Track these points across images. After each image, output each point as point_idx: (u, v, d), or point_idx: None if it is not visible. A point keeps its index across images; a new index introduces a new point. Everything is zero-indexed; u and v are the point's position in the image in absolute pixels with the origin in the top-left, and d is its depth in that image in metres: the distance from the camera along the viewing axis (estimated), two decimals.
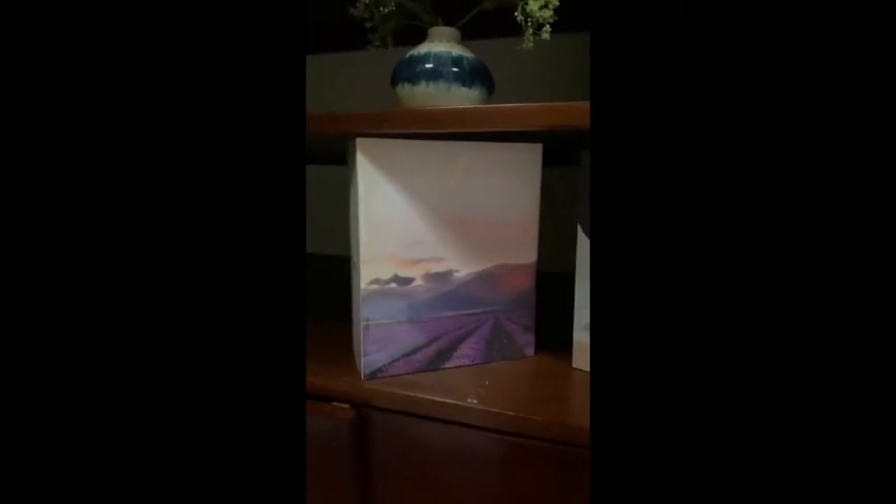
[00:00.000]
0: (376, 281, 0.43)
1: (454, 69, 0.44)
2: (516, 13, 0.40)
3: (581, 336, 0.47)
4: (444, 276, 0.46)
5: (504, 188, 0.46)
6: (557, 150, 0.52)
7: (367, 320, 0.44)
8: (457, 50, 0.45)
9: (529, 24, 0.39)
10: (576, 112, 0.36)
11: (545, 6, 0.38)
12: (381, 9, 0.46)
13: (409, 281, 0.45)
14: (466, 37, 0.47)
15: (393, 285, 0.44)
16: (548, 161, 0.49)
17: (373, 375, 0.45)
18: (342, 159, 0.67)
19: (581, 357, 0.48)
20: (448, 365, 0.48)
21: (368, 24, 0.48)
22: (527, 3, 0.38)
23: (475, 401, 0.40)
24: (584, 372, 0.47)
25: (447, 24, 0.47)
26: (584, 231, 0.45)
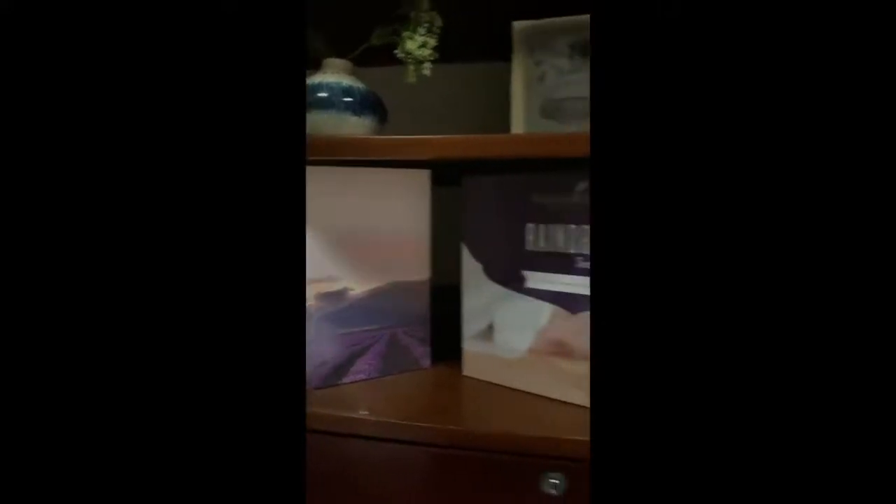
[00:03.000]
0: None
1: (345, 99, 0.46)
2: (395, 51, 0.43)
3: (469, 345, 0.51)
4: (338, 295, 0.47)
5: (396, 210, 0.49)
6: (443, 173, 0.56)
7: None
8: (347, 80, 0.47)
9: (410, 60, 0.43)
10: (458, 144, 0.40)
11: (423, 46, 0.42)
12: None
13: None
14: (360, 64, 0.50)
15: None
16: (437, 182, 0.53)
17: None
18: None
19: (470, 365, 0.51)
20: (345, 381, 0.49)
21: None
22: (406, 43, 0.42)
23: (366, 412, 0.42)
24: (475, 379, 0.51)
25: (340, 55, 0.49)
26: (468, 246, 0.49)
